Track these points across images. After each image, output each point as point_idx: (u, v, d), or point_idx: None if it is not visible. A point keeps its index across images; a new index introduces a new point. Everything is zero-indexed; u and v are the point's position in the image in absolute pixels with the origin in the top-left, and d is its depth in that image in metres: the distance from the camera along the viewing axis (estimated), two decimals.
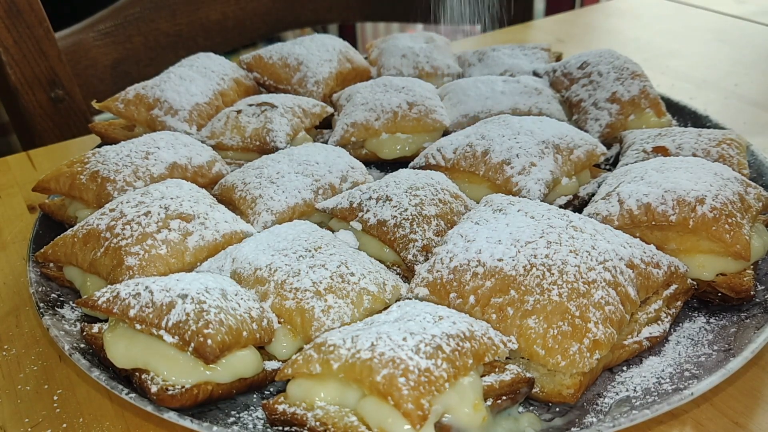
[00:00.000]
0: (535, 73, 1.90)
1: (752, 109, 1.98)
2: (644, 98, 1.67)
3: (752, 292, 1.18)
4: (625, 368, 1.09)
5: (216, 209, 1.32)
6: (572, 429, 0.97)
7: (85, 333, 1.11)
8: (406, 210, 1.28)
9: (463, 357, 0.92)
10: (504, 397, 0.98)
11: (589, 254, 1.07)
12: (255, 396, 1.08)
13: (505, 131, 1.46)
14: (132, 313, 1.01)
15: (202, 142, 1.63)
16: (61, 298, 1.26)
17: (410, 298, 1.13)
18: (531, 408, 1.04)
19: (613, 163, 1.63)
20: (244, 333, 1.01)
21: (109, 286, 1.11)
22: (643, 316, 1.12)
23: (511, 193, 1.38)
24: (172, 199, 1.28)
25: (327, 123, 1.81)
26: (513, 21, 2.83)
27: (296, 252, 1.15)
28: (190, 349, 0.97)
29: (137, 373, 1.02)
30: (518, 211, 1.18)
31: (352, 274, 1.12)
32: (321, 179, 1.43)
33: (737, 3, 2.82)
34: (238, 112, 1.65)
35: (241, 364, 1.02)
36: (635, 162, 1.42)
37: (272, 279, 1.11)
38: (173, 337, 0.98)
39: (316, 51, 1.92)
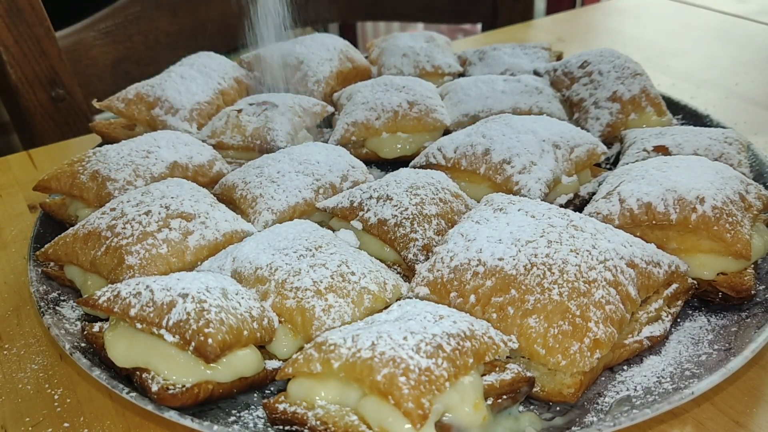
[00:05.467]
0: (536, 73, 1.90)
1: (753, 108, 1.98)
2: (645, 97, 1.67)
3: (753, 291, 1.18)
4: (625, 367, 1.09)
5: (216, 208, 1.32)
6: (573, 428, 0.97)
7: (85, 332, 1.11)
8: (406, 209, 1.28)
9: (463, 356, 0.92)
10: (504, 397, 0.98)
11: (590, 253, 1.07)
12: (256, 395, 1.08)
13: (506, 130, 1.46)
14: (133, 312, 1.01)
15: (203, 141, 1.63)
16: (62, 298, 1.26)
17: (411, 298, 1.13)
18: (531, 407, 1.04)
19: (613, 162, 1.63)
20: (245, 332, 1.01)
21: (109, 285, 1.11)
22: (644, 316, 1.12)
23: (511, 192, 1.38)
24: (172, 198, 1.28)
25: (328, 122, 1.81)
26: (513, 20, 2.83)
27: (297, 251, 1.15)
28: (191, 348, 0.97)
29: (138, 373, 1.02)
30: (519, 210, 1.18)
31: (353, 274, 1.12)
32: (321, 178, 1.43)
33: (738, 2, 2.81)
34: (239, 111, 1.65)
35: (242, 363, 1.02)
36: (636, 161, 1.42)
37: (273, 278, 1.11)
38: (174, 337, 0.98)
39: (317, 50, 1.92)
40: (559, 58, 2.08)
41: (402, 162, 1.62)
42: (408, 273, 1.27)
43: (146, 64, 2.54)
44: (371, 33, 4.99)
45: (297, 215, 1.38)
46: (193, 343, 0.96)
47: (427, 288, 1.12)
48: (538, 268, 1.05)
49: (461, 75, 2.02)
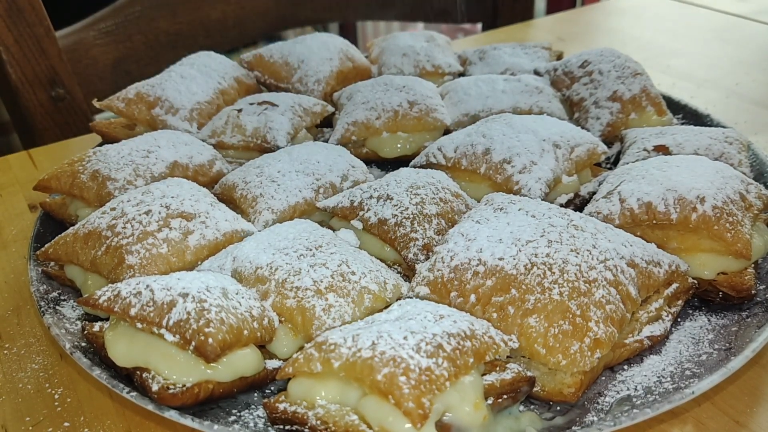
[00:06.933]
0: (536, 72, 1.90)
1: (753, 108, 1.97)
2: (645, 97, 1.67)
3: (753, 291, 1.18)
4: (626, 367, 1.09)
5: (217, 208, 1.32)
6: (573, 428, 0.97)
7: (86, 332, 1.11)
8: (406, 209, 1.28)
9: (463, 356, 0.92)
10: (505, 396, 0.98)
11: (590, 253, 1.07)
12: (256, 394, 1.08)
13: (506, 130, 1.46)
14: (133, 311, 1.01)
15: (203, 140, 1.63)
16: (62, 297, 1.26)
17: (411, 297, 1.13)
18: (532, 407, 1.04)
19: (614, 162, 1.63)
20: (245, 332, 1.01)
21: (110, 284, 1.11)
22: (644, 315, 1.12)
23: (511, 191, 1.38)
24: (173, 197, 1.27)
25: (328, 121, 1.81)
26: (513, 20, 2.83)
27: (297, 251, 1.15)
28: (191, 347, 0.97)
29: (138, 372, 1.02)
30: (519, 210, 1.18)
31: (353, 273, 1.12)
32: (322, 178, 1.43)
33: (738, 1, 2.81)
34: (239, 110, 1.65)
35: (242, 362, 1.02)
36: (636, 160, 1.42)
37: (273, 278, 1.11)
38: (174, 336, 0.98)
39: (317, 50, 1.92)
40: (559, 57, 2.08)
41: (402, 161, 1.62)
42: (408, 273, 1.27)
43: (146, 64, 2.54)
44: (371, 32, 4.99)
45: (297, 215, 1.38)
46: (193, 343, 0.96)
47: (427, 287, 1.12)
48: (538, 268, 1.05)
49: (461, 74, 2.01)
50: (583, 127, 1.67)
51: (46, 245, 1.29)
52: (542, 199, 1.34)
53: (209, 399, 1.01)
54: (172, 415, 0.97)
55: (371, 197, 1.32)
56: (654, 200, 1.21)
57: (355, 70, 1.97)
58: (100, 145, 1.69)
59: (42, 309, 1.19)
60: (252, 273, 1.13)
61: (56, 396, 1.12)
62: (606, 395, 1.04)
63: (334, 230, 1.33)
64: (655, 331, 1.11)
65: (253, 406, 1.05)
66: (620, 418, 0.95)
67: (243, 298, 1.06)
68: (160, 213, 1.24)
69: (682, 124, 1.74)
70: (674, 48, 2.42)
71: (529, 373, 1.01)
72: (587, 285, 1.03)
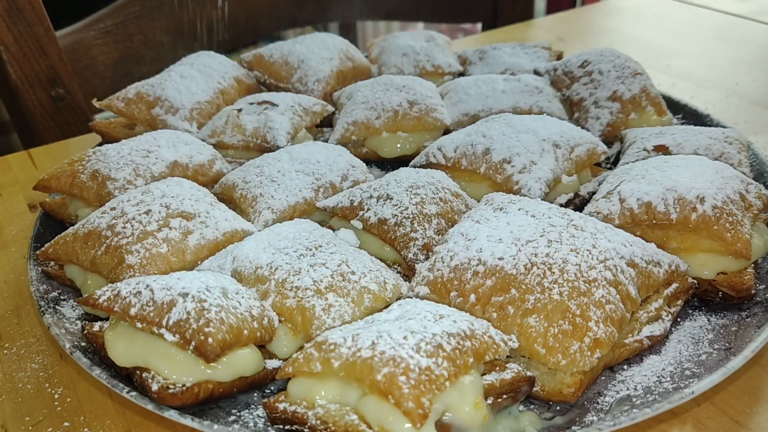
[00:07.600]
0: (536, 72, 1.90)
1: (753, 108, 1.98)
2: (645, 97, 1.67)
3: (753, 291, 1.18)
4: (625, 367, 1.09)
5: (217, 208, 1.32)
6: (573, 428, 0.97)
7: (85, 331, 1.11)
8: (406, 209, 1.28)
9: (463, 355, 0.92)
10: (505, 396, 0.98)
11: (590, 253, 1.07)
12: (256, 394, 1.08)
13: (506, 130, 1.46)
14: (133, 311, 1.01)
15: (203, 140, 1.63)
16: (62, 297, 1.26)
17: (411, 297, 1.13)
18: (531, 407, 1.04)
19: (614, 162, 1.63)
20: (245, 332, 1.01)
21: (109, 284, 1.11)
22: (644, 315, 1.12)
23: (511, 191, 1.38)
24: (172, 197, 1.27)
25: (328, 121, 1.81)
26: (513, 20, 2.83)
27: (297, 250, 1.15)
28: (191, 347, 0.97)
29: (138, 372, 1.02)
30: (519, 209, 1.18)
31: (353, 273, 1.12)
32: (322, 178, 1.43)
33: (738, 1, 2.81)
34: (239, 110, 1.65)
35: (242, 362, 1.02)
36: (636, 160, 1.42)
37: (273, 277, 1.11)
38: (174, 336, 0.98)
39: (317, 49, 1.92)
40: (559, 57, 2.08)
41: (402, 161, 1.62)
42: (408, 272, 1.27)
43: (146, 64, 2.54)
44: (371, 32, 4.99)
45: (297, 214, 1.38)
46: (193, 343, 0.96)
47: (427, 287, 1.12)
48: (538, 268, 1.05)
49: (461, 74, 2.02)
50: (583, 127, 1.67)
51: (46, 245, 1.29)
52: (542, 199, 1.33)
53: (209, 399, 1.01)
54: (171, 414, 0.97)
55: (371, 197, 1.32)
56: (654, 200, 1.21)
57: (355, 69, 1.97)
58: (100, 144, 1.69)
59: (42, 309, 1.19)
60: (252, 273, 1.13)
61: (56, 396, 1.12)
62: (606, 395, 1.04)
63: (334, 230, 1.33)
64: (655, 331, 1.11)
65: (252, 406, 1.05)
66: (620, 418, 0.95)
67: (243, 297, 1.06)
68: (160, 213, 1.24)
69: (682, 124, 1.74)
70: (674, 48, 2.42)
71: (528, 373, 1.01)
72: (587, 285, 1.03)
